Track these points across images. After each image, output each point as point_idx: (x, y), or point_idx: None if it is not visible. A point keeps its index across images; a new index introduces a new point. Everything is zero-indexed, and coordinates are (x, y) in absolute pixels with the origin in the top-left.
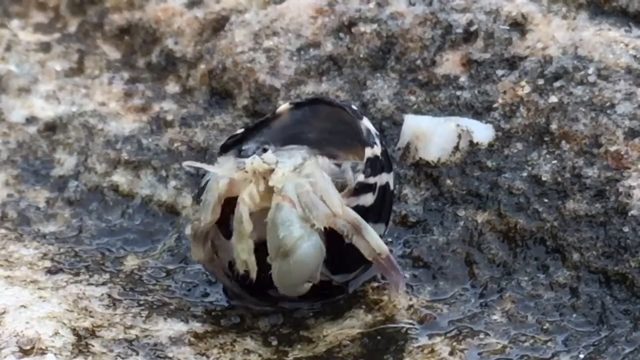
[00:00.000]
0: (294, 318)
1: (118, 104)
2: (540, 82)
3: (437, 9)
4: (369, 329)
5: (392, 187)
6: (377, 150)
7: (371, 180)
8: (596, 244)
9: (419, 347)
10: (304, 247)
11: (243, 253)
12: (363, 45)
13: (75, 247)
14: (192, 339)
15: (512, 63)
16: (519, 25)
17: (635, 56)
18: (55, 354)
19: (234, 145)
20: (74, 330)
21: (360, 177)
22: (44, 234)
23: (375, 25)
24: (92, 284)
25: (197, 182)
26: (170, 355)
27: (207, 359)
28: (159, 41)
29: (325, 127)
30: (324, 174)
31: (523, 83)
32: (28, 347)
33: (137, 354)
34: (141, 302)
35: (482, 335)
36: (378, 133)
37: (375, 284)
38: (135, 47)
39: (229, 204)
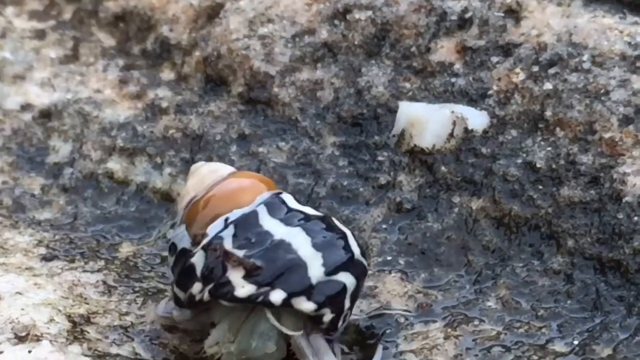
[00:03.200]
0: None
1: (113, 91)
2: (535, 69)
3: None
4: (364, 315)
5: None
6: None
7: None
8: (591, 231)
9: (414, 333)
10: (279, 352)
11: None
12: (358, 32)
13: (70, 234)
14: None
15: (507, 50)
16: (514, 12)
17: (629, 43)
18: (50, 341)
19: None
20: (69, 317)
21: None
22: (39, 221)
23: (370, 12)
24: (87, 271)
25: None
26: (165, 341)
27: (202, 345)
28: (153, 28)
29: None
30: None
31: (518, 70)
32: (23, 334)
33: (133, 340)
34: (136, 289)
35: (476, 322)
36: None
37: (370, 272)
38: (130, 34)
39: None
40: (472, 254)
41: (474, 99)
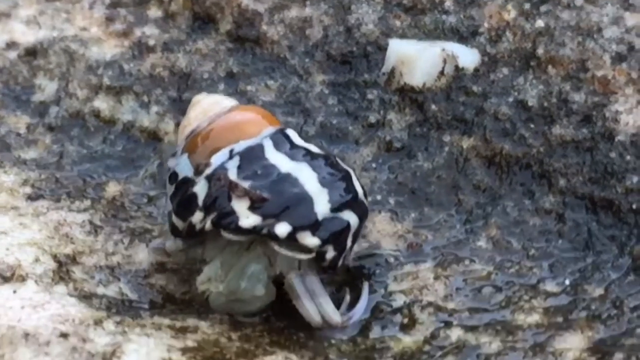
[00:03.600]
0: None
1: (99, 29)
2: (527, 6)
3: None
4: (354, 255)
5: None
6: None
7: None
8: (583, 170)
9: (403, 273)
10: (258, 305)
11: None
12: None
13: (56, 174)
14: (174, 265)
15: None
16: None
17: None
18: (35, 281)
19: None
20: (54, 257)
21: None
22: (25, 160)
23: None
24: (73, 211)
25: (180, 108)
26: (152, 281)
27: (189, 286)
28: None
29: None
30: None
31: (509, 7)
32: (8, 274)
33: (119, 280)
34: (123, 229)
35: (467, 262)
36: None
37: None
38: None
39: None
40: (462, 193)
41: (465, 36)
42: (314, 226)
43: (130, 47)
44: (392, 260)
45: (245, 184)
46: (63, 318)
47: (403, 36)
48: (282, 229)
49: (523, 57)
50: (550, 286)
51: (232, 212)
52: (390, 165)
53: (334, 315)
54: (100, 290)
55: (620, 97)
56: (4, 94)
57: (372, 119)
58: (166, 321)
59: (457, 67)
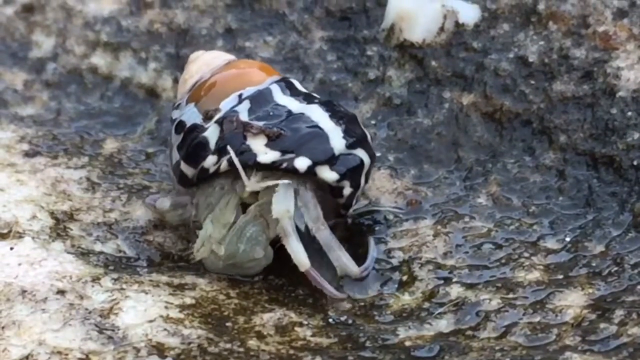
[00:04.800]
0: None
1: None
2: None
3: None
4: (353, 212)
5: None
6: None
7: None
8: (583, 126)
9: (402, 230)
10: (256, 268)
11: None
12: None
13: (54, 130)
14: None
15: None
16: None
17: None
18: (32, 237)
19: None
20: (52, 214)
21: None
22: (22, 117)
23: None
24: (70, 167)
25: (177, 65)
26: (150, 238)
27: (187, 243)
28: None
29: None
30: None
31: None
32: (5, 231)
33: (117, 237)
34: (120, 186)
35: (467, 219)
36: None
37: None
38: None
39: None
40: (462, 150)
41: None
42: (332, 160)
43: (128, 3)
44: (391, 217)
45: (260, 124)
46: (60, 275)
47: None
48: (302, 162)
49: (524, 13)
50: (550, 243)
51: (249, 149)
52: (390, 121)
53: (353, 266)
54: (98, 247)
55: (621, 53)
56: (0, 50)
57: (372, 75)
58: (164, 278)
59: (457, 23)
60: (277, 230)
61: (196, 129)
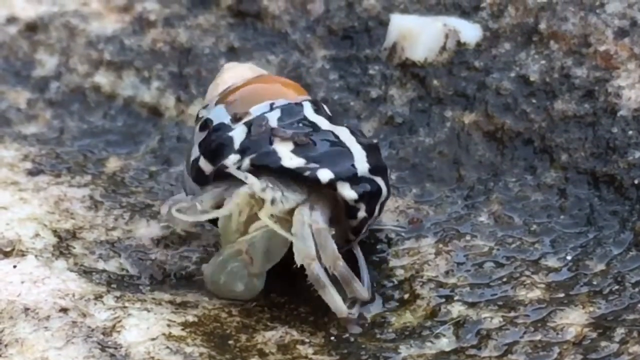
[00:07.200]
0: None
1: (100, 4)
2: None
3: None
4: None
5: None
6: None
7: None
8: (584, 145)
9: (404, 249)
10: (244, 297)
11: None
12: None
13: (57, 149)
14: (174, 240)
15: None
16: None
17: None
18: (35, 256)
19: None
20: (54, 232)
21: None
22: (25, 136)
23: None
24: (73, 186)
25: (180, 84)
26: (152, 257)
27: (189, 261)
28: None
29: None
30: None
31: None
32: (8, 249)
33: (119, 255)
34: (123, 204)
35: (468, 237)
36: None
37: None
38: None
39: None
40: (464, 169)
41: (467, 11)
42: (353, 180)
43: (131, 22)
44: (393, 235)
45: (289, 131)
46: (63, 293)
47: (405, 11)
48: (325, 174)
49: (525, 32)
50: (551, 262)
51: (274, 152)
52: (392, 140)
53: (365, 293)
54: (101, 265)
55: (622, 72)
56: (4, 69)
57: (374, 94)
58: (166, 296)
59: (459, 42)
60: (309, 278)
61: (222, 128)
